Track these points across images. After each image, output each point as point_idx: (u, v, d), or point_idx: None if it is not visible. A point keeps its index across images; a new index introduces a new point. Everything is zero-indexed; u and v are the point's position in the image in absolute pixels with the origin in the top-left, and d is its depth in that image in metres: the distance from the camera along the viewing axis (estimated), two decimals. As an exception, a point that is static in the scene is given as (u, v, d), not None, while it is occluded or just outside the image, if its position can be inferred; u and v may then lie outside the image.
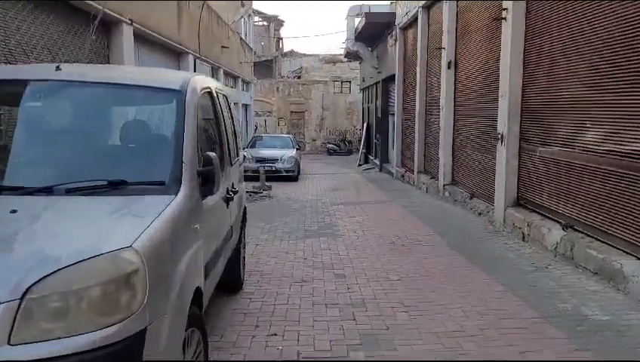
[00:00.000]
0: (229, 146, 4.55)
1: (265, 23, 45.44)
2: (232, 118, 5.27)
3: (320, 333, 4.22)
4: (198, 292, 2.93)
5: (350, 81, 37.14)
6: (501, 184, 8.35)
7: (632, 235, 5.17)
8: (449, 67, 11.54)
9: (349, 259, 6.62)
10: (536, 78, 7.55)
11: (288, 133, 36.82)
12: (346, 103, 37.61)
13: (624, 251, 5.25)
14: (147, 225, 2.44)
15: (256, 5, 47.06)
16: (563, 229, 6.40)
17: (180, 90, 3.42)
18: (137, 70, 6.11)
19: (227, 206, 4.19)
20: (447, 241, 7.57)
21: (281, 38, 48.09)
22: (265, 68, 41.21)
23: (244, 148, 19.19)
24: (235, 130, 5.34)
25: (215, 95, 4.34)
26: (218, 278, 4.10)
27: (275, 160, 17.66)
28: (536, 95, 7.54)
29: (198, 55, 14.98)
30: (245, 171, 16.54)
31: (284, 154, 17.90)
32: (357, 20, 22.58)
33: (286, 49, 48.05)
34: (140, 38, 10.70)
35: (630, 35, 5.32)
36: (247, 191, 13.22)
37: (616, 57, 5.57)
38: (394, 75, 18.13)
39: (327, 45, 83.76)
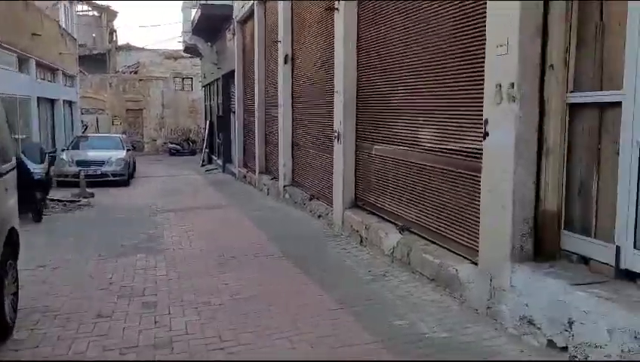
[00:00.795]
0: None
1: (95, 14, 41.62)
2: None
3: (102, 396, 3.19)
4: None
5: (192, 78, 35.44)
6: (339, 184, 7.90)
7: (467, 238, 4.89)
8: (286, 62, 10.95)
9: (167, 281, 5.59)
10: (370, 73, 7.18)
11: (124, 133, 34.17)
12: (189, 101, 35.84)
13: (460, 255, 4.95)
14: None
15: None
16: (399, 232, 6.04)
17: None
18: None
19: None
20: (282, 250, 6.87)
21: (115, 30, 44.51)
22: (97, 62, 37.70)
23: (63, 150, 16.91)
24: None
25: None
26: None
27: (100, 162, 15.71)
28: (371, 90, 7.17)
29: (-5, 41, 12.66)
30: (65, 176, 14.59)
31: (111, 156, 16.01)
32: (194, 12, 21.28)
33: (122, 42, 44.57)
34: None
35: (449, 34, 5.05)
36: (60, 201, 11.42)
37: (441, 54, 5.28)
38: (234, 71, 17.22)
39: (167, 39, 79.54)
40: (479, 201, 4.52)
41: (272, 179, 12.72)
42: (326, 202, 8.86)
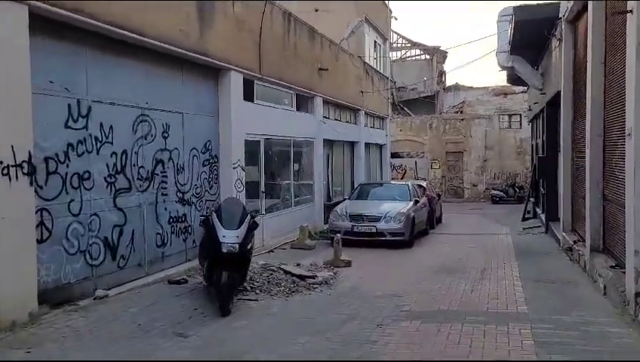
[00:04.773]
0: None
1: (427, 57, 40.99)
2: None
3: None
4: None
5: (521, 115, 30.33)
6: None
7: None
8: (643, 49, 5.62)
9: None
10: None
11: (443, 176, 31.31)
12: (516, 141, 30.76)
13: None
14: None
15: (415, 37, 42.53)
16: None
17: None
18: None
19: None
20: None
21: (444, 72, 43.11)
22: (427, 104, 36.67)
23: (345, 199, 14.53)
24: None
25: None
26: None
27: (376, 218, 12.56)
28: None
29: (257, 75, 10.89)
30: (337, 232, 11.89)
31: (390, 211, 12.67)
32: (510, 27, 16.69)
33: (451, 82, 42.89)
34: (116, 43, 6.94)
35: None
36: (293, 274, 8.52)
37: None
38: (559, 94, 12.02)
39: (498, 77, 74.65)
40: None
41: (613, 267, 7.19)
42: None
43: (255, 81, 11.02)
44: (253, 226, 6.88)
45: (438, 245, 13.04)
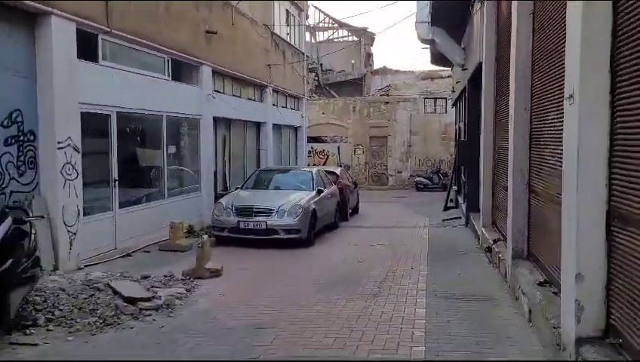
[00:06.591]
0: None
1: (355, 38, 39.12)
2: None
3: None
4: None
5: (446, 98, 29.04)
6: None
7: None
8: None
9: None
10: None
11: (366, 163, 29.57)
12: (441, 125, 29.39)
13: None
14: None
15: (343, 18, 40.56)
16: None
17: None
18: None
19: None
20: None
21: (371, 54, 41.46)
22: (356, 87, 34.91)
23: (237, 188, 12.23)
24: None
25: None
26: None
27: (267, 212, 10.38)
28: None
29: (102, 27, 8.33)
30: (221, 229, 9.42)
31: (284, 203, 10.51)
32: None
33: (378, 66, 41.39)
34: None
35: None
36: (123, 297, 6.17)
37: None
38: (481, 67, 10.24)
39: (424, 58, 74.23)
40: None
41: (542, 284, 5.35)
42: None
43: (100, 36, 8.46)
44: (14, 235, 4.47)
45: (343, 243, 11.03)
